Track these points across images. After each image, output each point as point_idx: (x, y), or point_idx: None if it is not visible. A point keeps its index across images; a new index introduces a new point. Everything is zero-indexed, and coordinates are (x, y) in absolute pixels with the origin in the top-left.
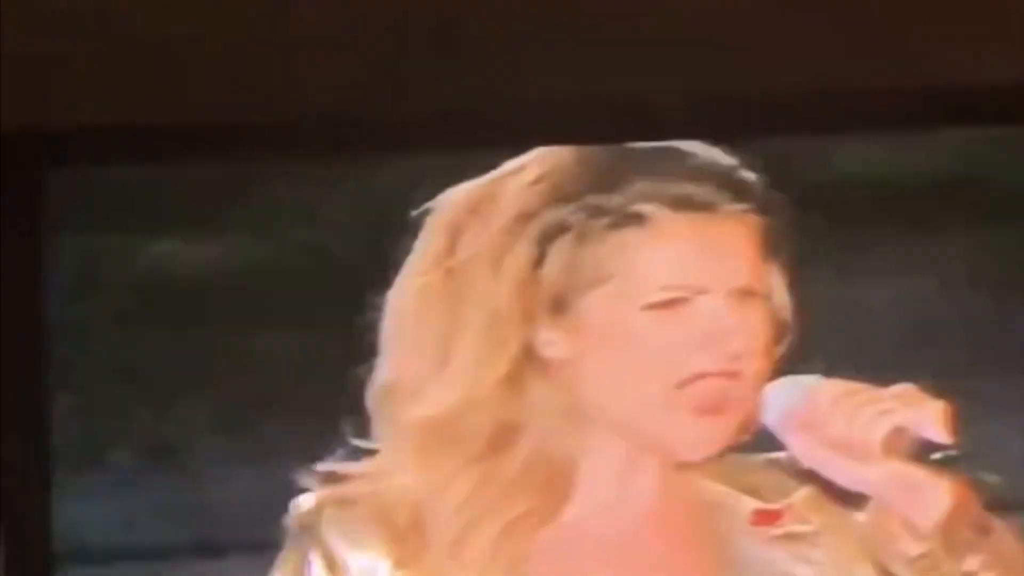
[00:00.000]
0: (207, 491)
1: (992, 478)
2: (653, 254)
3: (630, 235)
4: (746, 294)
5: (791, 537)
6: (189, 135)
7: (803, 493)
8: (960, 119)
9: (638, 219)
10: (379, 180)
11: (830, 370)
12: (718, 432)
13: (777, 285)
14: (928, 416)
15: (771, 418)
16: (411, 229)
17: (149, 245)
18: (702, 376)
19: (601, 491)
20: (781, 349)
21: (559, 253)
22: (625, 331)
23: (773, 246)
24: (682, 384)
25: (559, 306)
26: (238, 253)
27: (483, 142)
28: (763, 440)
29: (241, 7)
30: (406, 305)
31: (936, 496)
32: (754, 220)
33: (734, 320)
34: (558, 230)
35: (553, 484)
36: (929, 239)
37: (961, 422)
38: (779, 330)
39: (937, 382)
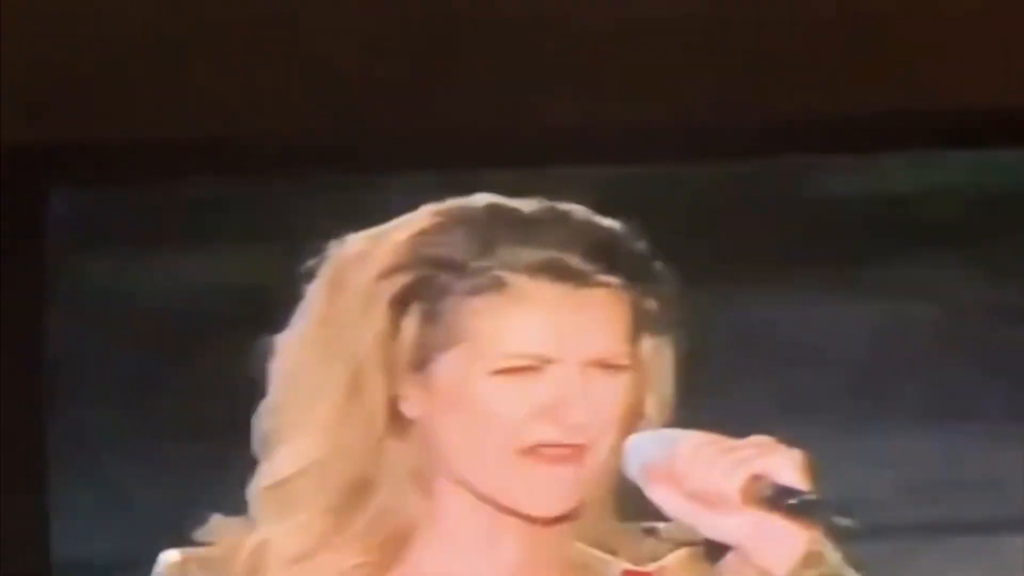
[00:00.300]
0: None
1: (845, 521)
2: (505, 321)
3: (487, 300)
4: (602, 367)
5: None
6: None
7: (678, 554)
8: (966, 142)
9: (497, 284)
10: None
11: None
12: (563, 486)
13: (653, 360)
14: (784, 463)
15: (632, 470)
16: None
17: (151, 260)
18: (541, 446)
19: (463, 552)
20: (648, 425)
21: (417, 313)
22: (471, 395)
23: (651, 320)
24: (521, 452)
25: (417, 365)
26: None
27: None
28: (643, 508)
29: (251, 30)
30: (285, 356)
31: (790, 542)
32: (624, 293)
33: (579, 392)
34: (420, 289)
35: (388, 542)
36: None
37: (817, 470)
38: (647, 406)
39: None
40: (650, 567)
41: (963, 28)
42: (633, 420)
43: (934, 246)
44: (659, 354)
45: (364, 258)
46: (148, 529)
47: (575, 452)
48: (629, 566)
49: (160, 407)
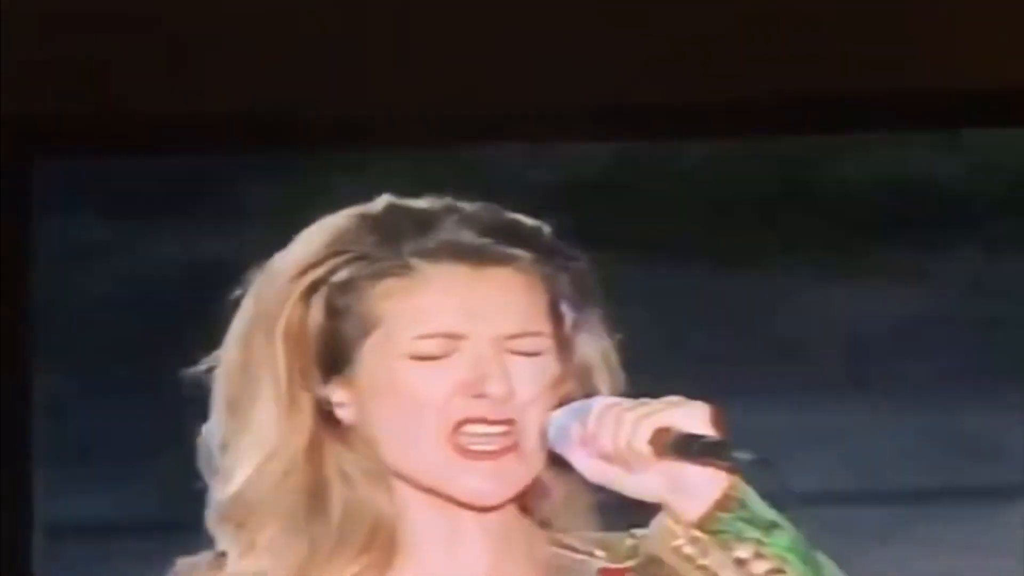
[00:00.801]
0: None
1: (745, 455)
2: (412, 302)
3: (392, 284)
4: (518, 343)
5: None
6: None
7: (654, 553)
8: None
9: (401, 269)
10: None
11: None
12: (501, 474)
13: (575, 332)
14: (688, 414)
15: (552, 440)
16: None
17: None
18: (466, 422)
19: (432, 553)
20: (575, 392)
21: (323, 305)
22: (392, 383)
23: (571, 297)
24: (450, 433)
25: (340, 364)
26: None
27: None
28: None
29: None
30: (219, 377)
31: (706, 489)
32: (534, 270)
33: (496, 366)
34: (322, 283)
35: (376, 545)
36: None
37: (725, 417)
38: (570, 376)
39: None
40: (627, 564)
41: (976, 5)
42: (564, 399)
43: (936, 226)
44: (584, 331)
45: (278, 269)
46: (139, 490)
47: (506, 438)
48: (606, 564)
49: (141, 369)
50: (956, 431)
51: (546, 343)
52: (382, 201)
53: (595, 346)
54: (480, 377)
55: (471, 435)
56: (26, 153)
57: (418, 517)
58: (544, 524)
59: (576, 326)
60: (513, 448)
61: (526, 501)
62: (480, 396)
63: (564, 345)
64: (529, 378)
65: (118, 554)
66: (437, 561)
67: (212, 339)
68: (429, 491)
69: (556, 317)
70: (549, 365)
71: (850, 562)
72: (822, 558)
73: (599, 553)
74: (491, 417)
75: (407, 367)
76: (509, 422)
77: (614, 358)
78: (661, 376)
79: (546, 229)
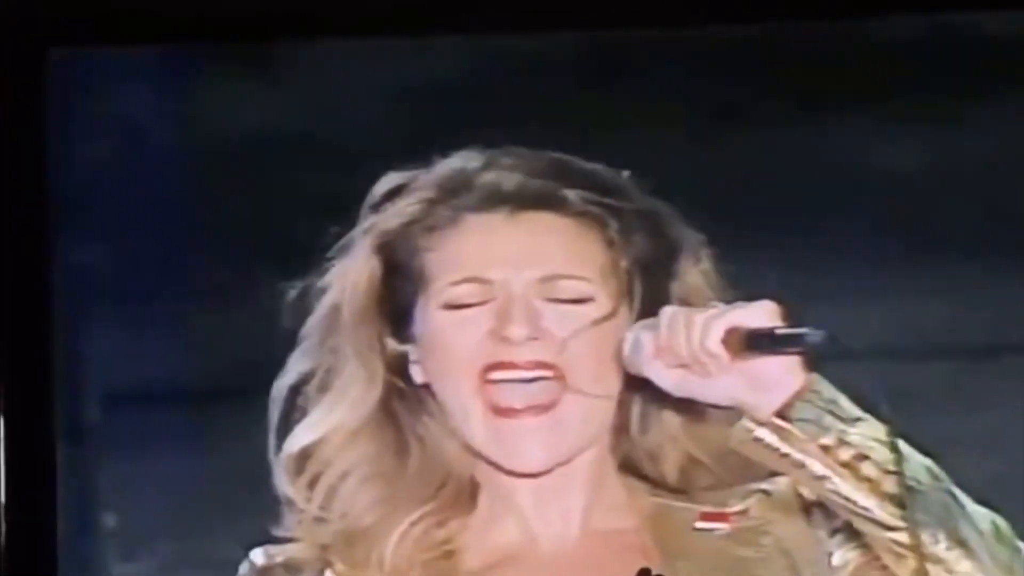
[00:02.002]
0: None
1: (815, 334)
2: (448, 252)
3: (436, 238)
4: (550, 284)
5: (739, 530)
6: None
7: (758, 498)
8: None
9: (450, 221)
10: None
11: None
12: (539, 439)
13: (616, 281)
14: (754, 312)
15: (628, 357)
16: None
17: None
18: (493, 368)
19: (524, 506)
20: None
21: (384, 261)
22: (432, 333)
23: (626, 236)
24: (480, 384)
25: (406, 319)
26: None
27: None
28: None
29: None
30: (311, 329)
31: (783, 385)
32: (583, 212)
33: (522, 308)
34: (387, 240)
35: (446, 495)
36: None
37: (795, 313)
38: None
39: None
40: (730, 509)
41: None
42: (592, 340)
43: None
44: (641, 277)
45: (355, 232)
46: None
47: (541, 392)
48: (707, 509)
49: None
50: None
51: (592, 288)
52: (452, 158)
53: (693, 285)
54: (506, 320)
55: (500, 384)
56: (41, 43)
57: (498, 475)
58: (653, 483)
59: (641, 267)
60: (550, 406)
61: (629, 459)
62: (504, 340)
63: (624, 289)
64: (570, 324)
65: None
66: (530, 513)
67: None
68: (479, 455)
69: (614, 262)
70: (598, 311)
71: (913, 420)
72: (906, 448)
73: (702, 499)
74: (519, 361)
75: (442, 316)
76: (543, 365)
77: (711, 290)
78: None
79: (605, 172)
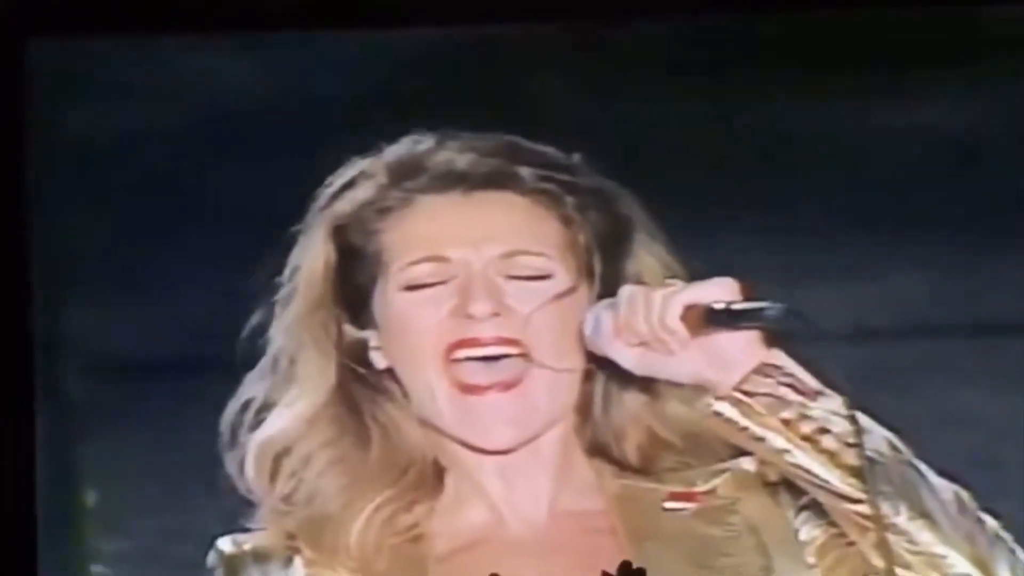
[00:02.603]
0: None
1: (775, 307)
2: (404, 233)
3: (390, 219)
4: (510, 261)
5: (707, 509)
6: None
7: (726, 477)
8: None
9: (403, 203)
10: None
11: None
12: (506, 416)
13: (574, 258)
14: (714, 288)
15: (590, 337)
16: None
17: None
18: (457, 346)
19: (489, 488)
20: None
21: (339, 247)
22: (391, 315)
23: (583, 215)
24: (445, 363)
25: (364, 304)
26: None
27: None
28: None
29: None
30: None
31: (743, 358)
32: (539, 190)
33: (482, 285)
34: (340, 226)
35: (405, 478)
36: None
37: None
38: (577, 295)
39: None
40: (699, 488)
41: None
42: (555, 314)
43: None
44: (619, 247)
45: (309, 221)
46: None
47: (506, 369)
48: (675, 489)
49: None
50: (985, 266)
51: (551, 265)
52: (401, 143)
53: (647, 262)
54: (466, 299)
55: (465, 362)
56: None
57: (465, 456)
58: (619, 465)
59: (598, 244)
60: (516, 383)
61: (595, 440)
62: (468, 318)
63: (583, 266)
64: (531, 300)
65: (153, 393)
66: (497, 495)
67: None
68: (447, 437)
69: (571, 239)
70: (559, 287)
71: (885, 399)
72: (867, 421)
73: (669, 479)
74: (483, 337)
75: (402, 298)
76: (507, 342)
77: (667, 268)
78: (693, 216)
79: (555, 153)
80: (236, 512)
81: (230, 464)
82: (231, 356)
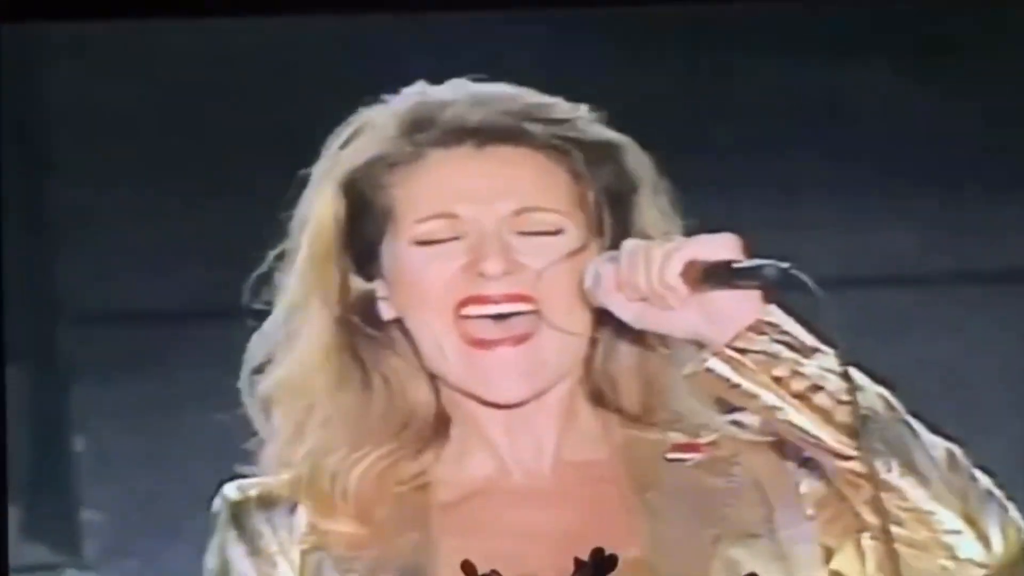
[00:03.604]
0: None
1: (773, 266)
2: (415, 189)
3: (400, 173)
4: (522, 217)
5: (710, 460)
6: None
7: (728, 431)
8: None
9: (413, 156)
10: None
11: None
12: (516, 369)
13: (584, 213)
14: (715, 244)
15: (590, 289)
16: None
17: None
18: (468, 302)
19: (494, 439)
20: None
21: (347, 199)
22: (402, 269)
23: (579, 174)
24: (455, 318)
25: (372, 257)
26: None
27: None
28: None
29: None
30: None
31: (740, 314)
32: (550, 145)
33: (495, 243)
34: (349, 178)
35: (406, 431)
36: None
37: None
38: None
39: None
40: (702, 439)
41: None
42: (564, 268)
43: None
44: (628, 205)
45: (316, 172)
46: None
47: (517, 324)
48: (679, 439)
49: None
50: (973, 215)
51: (562, 220)
52: (410, 93)
53: (652, 218)
54: (480, 255)
55: (476, 318)
56: None
57: (472, 408)
58: (624, 415)
59: (607, 199)
60: (527, 337)
61: (596, 389)
62: (480, 275)
63: (592, 221)
64: (543, 256)
65: (146, 344)
66: (503, 445)
67: None
68: (456, 389)
69: (581, 195)
70: (569, 243)
71: (874, 347)
72: (861, 378)
73: (674, 430)
74: (494, 295)
75: (412, 253)
76: (519, 298)
77: (670, 223)
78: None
79: (566, 106)
80: (229, 458)
81: (250, 409)
82: (225, 305)
